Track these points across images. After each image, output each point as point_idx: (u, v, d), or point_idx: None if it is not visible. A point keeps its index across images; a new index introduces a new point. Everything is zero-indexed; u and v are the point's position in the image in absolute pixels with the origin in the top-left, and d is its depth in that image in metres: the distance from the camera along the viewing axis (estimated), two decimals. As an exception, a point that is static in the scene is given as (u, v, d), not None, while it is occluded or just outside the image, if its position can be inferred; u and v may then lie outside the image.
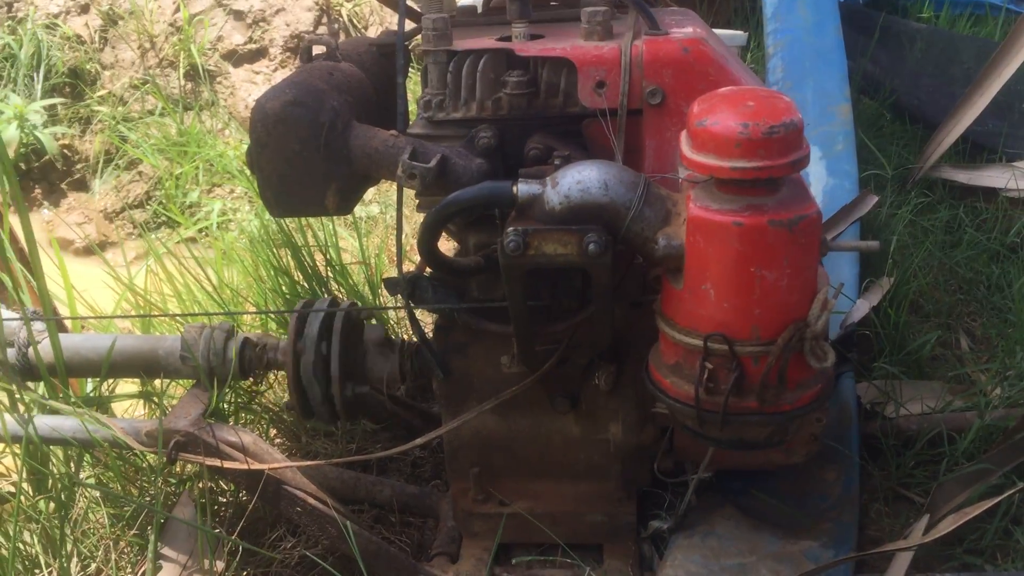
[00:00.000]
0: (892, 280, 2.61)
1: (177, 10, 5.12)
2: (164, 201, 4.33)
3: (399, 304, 1.74)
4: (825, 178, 3.10)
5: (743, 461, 1.80)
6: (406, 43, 1.74)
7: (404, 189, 1.61)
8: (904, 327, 2.50)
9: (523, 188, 1.39)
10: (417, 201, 1.66)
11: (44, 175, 4.53)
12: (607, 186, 1.35)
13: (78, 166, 4.60)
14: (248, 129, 1.56)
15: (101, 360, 1.85)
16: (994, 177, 3.37)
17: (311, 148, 1.55)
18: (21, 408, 1.84)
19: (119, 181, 4.53)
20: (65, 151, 4.59)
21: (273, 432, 2.19)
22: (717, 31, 4.23)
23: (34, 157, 4.52)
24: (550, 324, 1.59)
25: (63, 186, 4.56)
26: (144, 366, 1.87)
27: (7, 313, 1.96)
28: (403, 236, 1.66)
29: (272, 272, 2.30)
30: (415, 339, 1.78)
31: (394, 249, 2.69)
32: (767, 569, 1.70)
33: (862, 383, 2.22)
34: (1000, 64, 3.07)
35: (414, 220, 2.56)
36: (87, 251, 4.07)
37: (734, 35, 4.07)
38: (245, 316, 2.44)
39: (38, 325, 1.87)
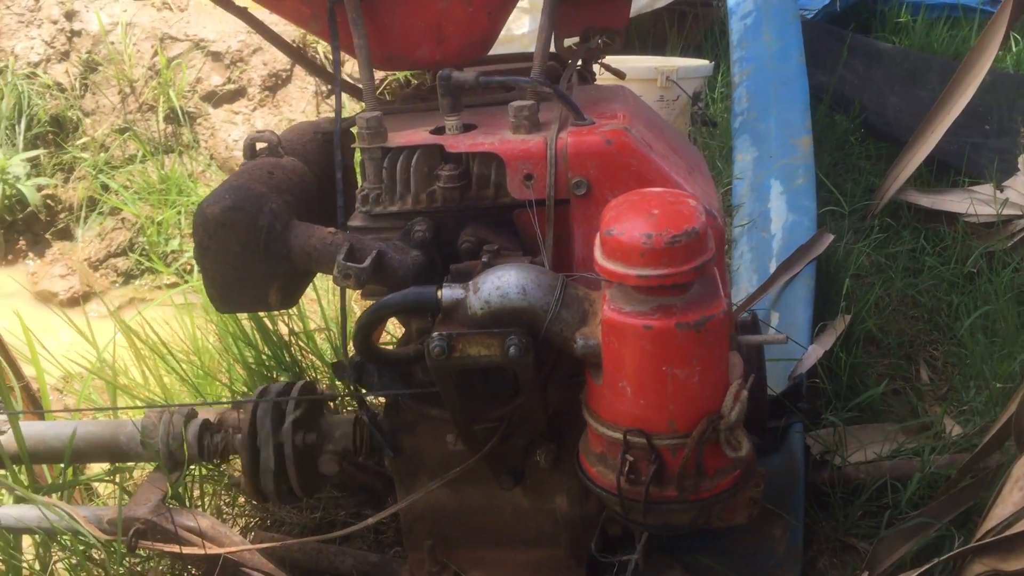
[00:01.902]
0: (846, 319, 2.66)
1: (156, 54, 5.19)
2: (147, 248, 4.39)
3: (346, 391, 1.80)
4: (785, 214, 3.16)
5: (687, 524, 1.86)
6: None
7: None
8: (857, 369, 2.55)
9: (447, 293, 1.45)
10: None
11: (28, 226, 4.60)
12: (525, 291, 1.41)
13: (62, 215, 4.67)
14: (192, 229, 1.62)
15: (65, 448, 1.91)
16: (955, 202, 3.42)
17: (252, 250, 1.61)
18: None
19: (102, 228, 4.60)
20: (48, 201, 4.66)
21: (241, 500, 2.25)
22: (685, 60, 4.30)
23: (19, 208, 4.59)
24: (487, 410, 1.65)
25: (47, 236, 4.63)
26: (107, 452, 1.94)
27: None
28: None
29: (235, 342, 2.37)
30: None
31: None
32: (710, 633, 1.76)
33: (816, 431, 2.28)
34: (952, 98, 3.12)
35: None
36: (72, 302, 4.14)
37: (700, 65, 4.13)
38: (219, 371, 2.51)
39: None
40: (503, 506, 1.85)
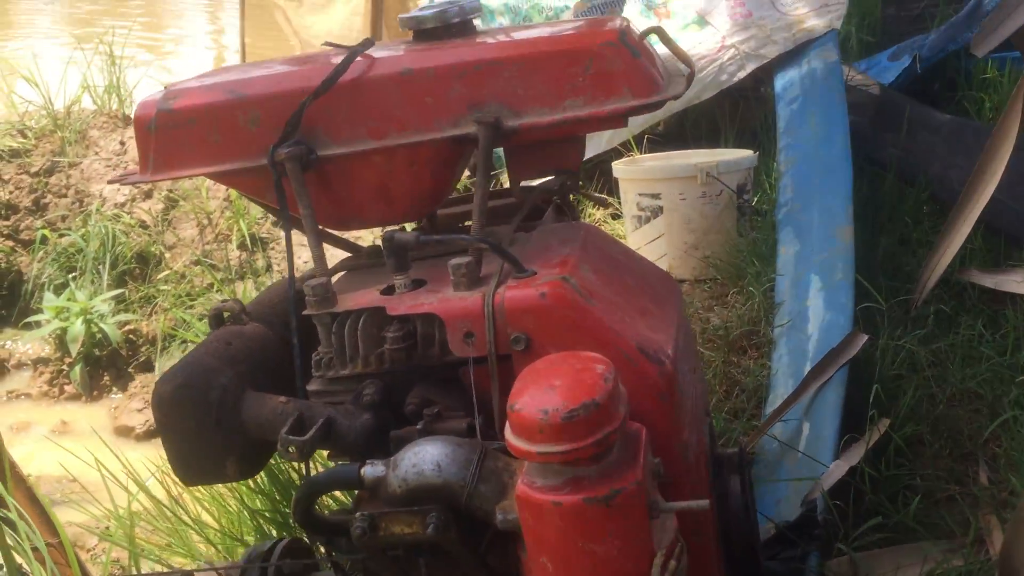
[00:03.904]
0: (880, 427, 2.51)
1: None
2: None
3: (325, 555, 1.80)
4: (823, 313, 3.04)
5: None
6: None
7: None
8: (893, 481, 2.41)
9: (368, 471, 1.45)
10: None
11: (112, 362, 4.82)
12: (440, 467, 1.40)
13: (143, 348, 4.89)
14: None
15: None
16: (1020, 283, 3.24)
17: (205, 426, 1.65)
18: None
19: (180, 360, 4.79)
20: (131, 336, 4.89)
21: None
22: (725, 153, 4.24)
23: (106, 343, 4.81)
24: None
25: (130, 370, 4.84)
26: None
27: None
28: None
29: (250, 495, 2.41)
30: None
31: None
32: None
33: (838, 559, 2.15)
34: (982, 181, 2.98)
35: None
36: (147, 435, 4.30)
37: (742, 157, 4.06)
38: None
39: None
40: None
